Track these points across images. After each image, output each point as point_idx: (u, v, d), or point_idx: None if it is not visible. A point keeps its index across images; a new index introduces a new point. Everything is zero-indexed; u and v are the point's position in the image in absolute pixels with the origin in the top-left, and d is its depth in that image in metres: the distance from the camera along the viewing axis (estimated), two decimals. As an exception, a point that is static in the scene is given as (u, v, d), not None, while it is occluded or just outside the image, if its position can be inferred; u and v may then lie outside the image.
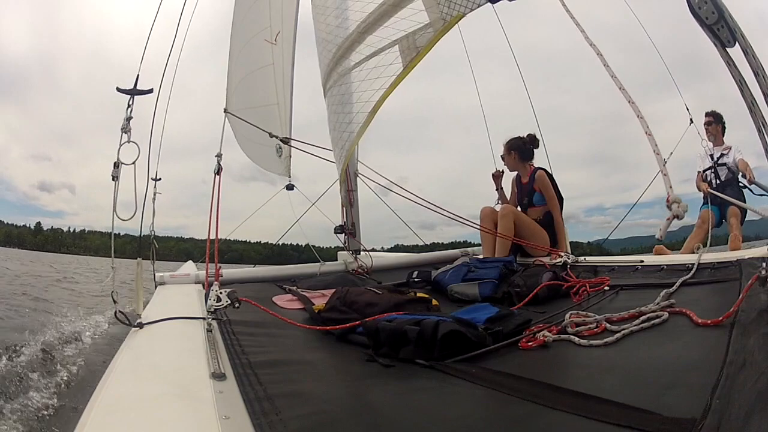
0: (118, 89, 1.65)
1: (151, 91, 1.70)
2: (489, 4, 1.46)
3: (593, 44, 2.97)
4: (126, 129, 1.53)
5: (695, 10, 0.95)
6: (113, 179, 1.43)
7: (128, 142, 1.48)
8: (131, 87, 1.65)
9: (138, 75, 1.71)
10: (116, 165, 1.45)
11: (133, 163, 1.46)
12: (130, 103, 1.63)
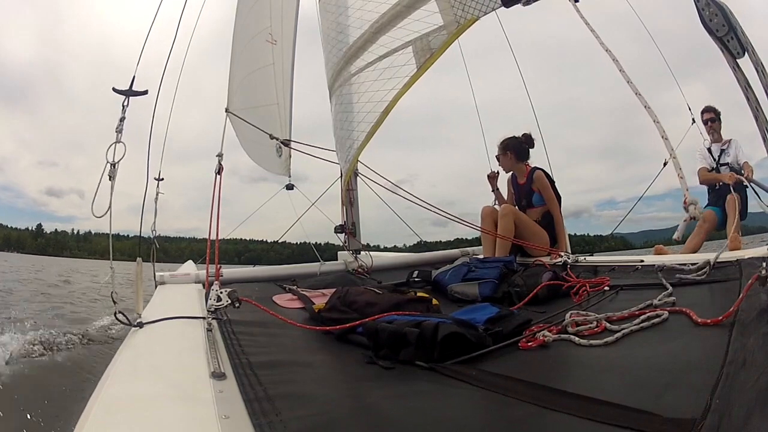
0: (114, 89, 1.65)
1: (146, 92, 1.69)
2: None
3: (602, 41, 2.97)
4: (119, 129, 1.53)
5: (706, 22, 0.99)
6: (109, 179, 1.44)
7: (118, 142, 1.49)
8: (127, 88, 1.65)
9: (134, 77, 1.71)
10: (113, 165, 1.45)
11: (118, 162, 1.47)
12: (125, 104, 1.63)
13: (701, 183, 4.02)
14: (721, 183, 3.92)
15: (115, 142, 1.48)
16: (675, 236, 2.79)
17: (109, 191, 1.43)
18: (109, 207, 1.41)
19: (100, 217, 1.41)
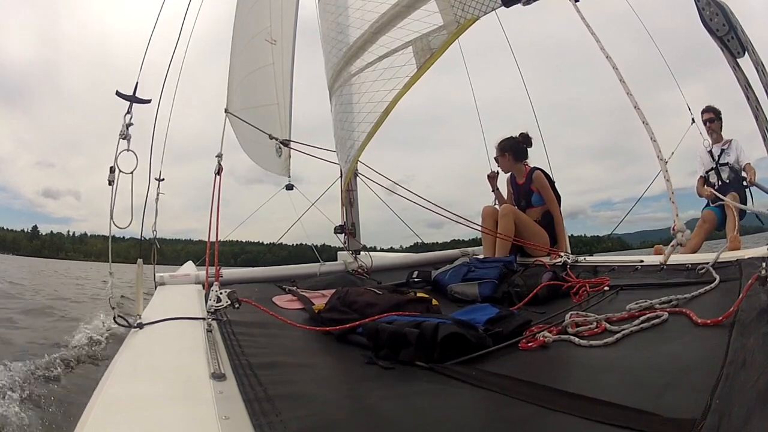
0: (117, 93, 1.64)
1: (149, 101, 1.69)
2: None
3: (598, 38, 2.96)
4: (125, 136, 1.52)
5: (706, 22, 0.99)
6: (109, 184, 1.43)
7: (127, 150, 1.48)
8: (131, 93, 1.64)
9: (137, 82, 1.70)
10: (112, 170, 1.44)
11: (131, 172, 1.46)
12: (130, 110, 1.62)
13: (699, 195, 4.04)
14: (720, 183, 3.92)
15: (121, 150, 1.47)
16: (661, 260, 2.79)
17: (119, 197, 1.43)
18: (132, 218, 1.41)
19: (123, 228, 1.41)
